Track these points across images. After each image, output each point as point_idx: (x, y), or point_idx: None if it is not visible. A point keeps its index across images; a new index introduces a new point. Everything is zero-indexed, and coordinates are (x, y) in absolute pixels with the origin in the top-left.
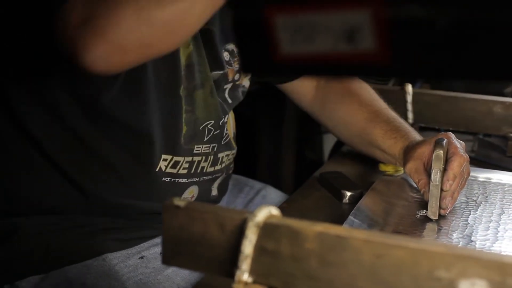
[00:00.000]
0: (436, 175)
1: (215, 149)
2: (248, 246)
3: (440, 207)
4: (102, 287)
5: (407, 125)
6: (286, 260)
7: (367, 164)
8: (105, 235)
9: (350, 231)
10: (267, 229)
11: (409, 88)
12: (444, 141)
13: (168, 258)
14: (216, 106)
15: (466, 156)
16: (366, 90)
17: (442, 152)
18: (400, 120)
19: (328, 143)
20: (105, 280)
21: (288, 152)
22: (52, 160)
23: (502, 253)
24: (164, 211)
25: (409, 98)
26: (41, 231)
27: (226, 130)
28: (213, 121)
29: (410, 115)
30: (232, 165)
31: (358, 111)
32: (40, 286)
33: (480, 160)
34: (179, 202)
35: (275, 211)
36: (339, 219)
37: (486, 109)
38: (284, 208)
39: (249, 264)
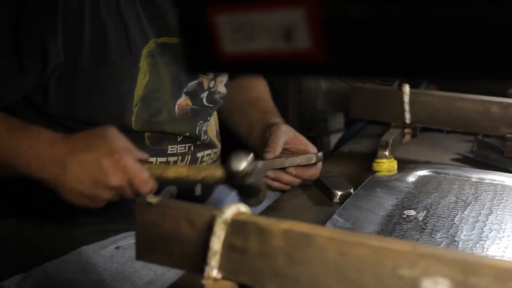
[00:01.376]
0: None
1: (192, 149)
2: (216, 243)
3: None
4: (79, 281)
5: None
6: (254, 257)
7: (363, 165)
8: (81, 228)
9: (316, 228)
10: (236, 226)
11: (407, 88)
12: (313, 160)
13: (141, 254)
14: (188, 121)
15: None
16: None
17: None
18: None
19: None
20: (82, 274)
21: None
22: None
23: (484, 254)
24: (136, 208)
25: (406, 98)
26: (19, 230)
27: (204, 135)
28: (188, 133)
29: (407, 116)
30: (217, 163)
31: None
32: (22, 285)
33: (478, 161)
34: (151, 199)
35: (244, 208)
36: (328, 219)
37: (483, 109)
38: (274, 207)
39: (218, 261)
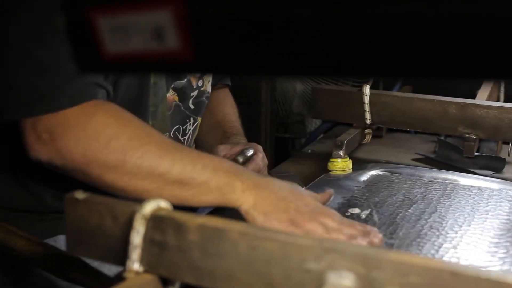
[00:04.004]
0: None
1: None
2: (136, 237)
3: None
4: None
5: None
6: (172, 251)
7: (323, 165)
8: (56, 218)
9: (228, 223)
10: (155, 221)
11: (367, 89)
12: (250, 152)
13: (72, 248)
14: (169, 118)
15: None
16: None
17: (240, 159)
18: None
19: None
20: None
21: (270, 152)
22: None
23: (418, 252)
24: (66, 204)
25: (366, 99)
26: None
27: (189, 138)
28: (167, 134)
29: (367, 116)
30: None
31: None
32: None
33: (439, 161)
34: (79, 195)
35: (164, 204)
36: None
37: (442, 109)
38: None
39: (139, 254)
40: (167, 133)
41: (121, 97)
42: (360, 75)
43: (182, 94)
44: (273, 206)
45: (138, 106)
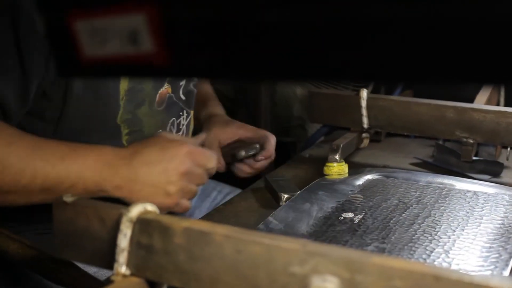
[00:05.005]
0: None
1: None
2: (123, 240)
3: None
4: None
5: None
6: (158, 254)
7: (320, 169)
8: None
9: (213, 226)
10: (142, 224)
11: (364, 93)
12: (253, 151)
13: (60, 250)
14: (161, 114)
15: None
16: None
17: (243, 154)
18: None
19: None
20: None
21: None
22: None
23: (409, 256)
24: (54, 207)
25: (364, 103)
26: None
27: (183, 134)
28: (161, 130)
29: (365, 120)
30: None
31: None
32: None
33: (437, 166)
34: (67, 198)
35: (150, 207)
36: None
37: (439, 114)
38: (220, 209)
39: (126, 257)
40: (162, 129)
41: (73, 110)
42: (347, 79)
43: (174, 84)
44: (150, 195)
45: (100, 119)
